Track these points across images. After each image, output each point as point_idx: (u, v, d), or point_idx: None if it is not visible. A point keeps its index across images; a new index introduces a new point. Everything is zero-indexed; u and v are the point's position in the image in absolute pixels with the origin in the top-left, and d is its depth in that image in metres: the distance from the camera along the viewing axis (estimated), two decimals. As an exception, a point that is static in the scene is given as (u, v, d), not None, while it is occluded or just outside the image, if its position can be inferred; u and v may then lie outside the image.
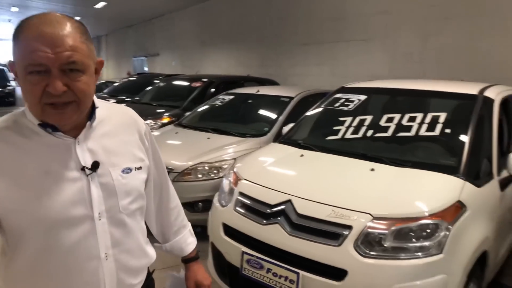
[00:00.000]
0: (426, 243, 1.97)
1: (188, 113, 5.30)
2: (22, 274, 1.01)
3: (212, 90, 6.31)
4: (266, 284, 2.16)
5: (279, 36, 8.52)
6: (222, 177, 3.59)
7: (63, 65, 0.90)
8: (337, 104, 3.26)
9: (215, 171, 3.66)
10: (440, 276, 1.94)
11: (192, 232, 1.44)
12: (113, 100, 7.86)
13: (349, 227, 2.01)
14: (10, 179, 0.94)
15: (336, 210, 2.08)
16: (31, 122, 0.99)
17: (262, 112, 4.78)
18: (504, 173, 2.58)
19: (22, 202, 0.94)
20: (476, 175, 2.40)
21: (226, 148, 3.90)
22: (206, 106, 5.20)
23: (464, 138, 2.55)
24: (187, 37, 12.30)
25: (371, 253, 1.96)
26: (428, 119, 2.74)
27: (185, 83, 6.87)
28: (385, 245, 1.97)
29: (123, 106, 1.23)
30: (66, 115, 0.94)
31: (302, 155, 2.73)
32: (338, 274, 1.97)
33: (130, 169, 1.09)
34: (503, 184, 2.57)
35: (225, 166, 3.69)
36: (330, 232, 2.04)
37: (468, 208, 2.14)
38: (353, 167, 2.50)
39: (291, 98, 4.60)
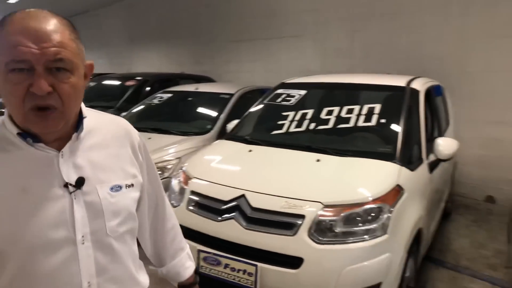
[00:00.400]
0: (372, 226, 2.12)
1: (123, 114, 5.11)
2: None
3: (147, 88, 6.13)
4: (224, 280, 2.19)
5: (212, 33, 8.49)
6: (167, 177, 3.54)
7: (49, 62, 0.80)
8: (279, 100, 3.36)
9: (159, 172, 3.59)
10: (386, 255, 2.11)
11: (191, 255, 1.32)
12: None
13: (302, 217, 2.11)
14: None
15: (288, 201, 2.17)
16: (9, 132, 0.88)
17: (203, 109, 4.75)
18: (432, 157, 2.86)
19: None
20: (409, 160, 2.62)
21: (169, 147, 3.83)
22: (143, 106, 5.05)
23: (397, 127, 2.78)
24: (114, 34, 11.76)
25: (324, 239, 2.07)
26: (364, 110, 2.93)
27: (118, 82, 6.60)
28: (336, 231, 2.09)
29: (114, 115, 1.11)
30: (50, 122, 0.84)
31: (250, 150, 2.79)
32: (294, 262, 2.05)
33: (120, 187, 0.98)
34: (431, 167, 2.84)
35: (169, 166, 3.63)
36: (284, 223, 2.12)
37: (406, 190, 2.34)
38: (300, 159, 2.60)
39: (231, 95, 4.64)
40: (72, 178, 0.90)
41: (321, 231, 2.09)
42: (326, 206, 2.13)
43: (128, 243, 1.01)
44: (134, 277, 1.04)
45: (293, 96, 3.34)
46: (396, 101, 2.98)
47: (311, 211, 2.12)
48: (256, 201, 2.22)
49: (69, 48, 0.83)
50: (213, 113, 4.48)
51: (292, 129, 3.01)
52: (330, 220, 2.11)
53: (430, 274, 3.27)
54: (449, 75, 5.00)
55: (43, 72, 0.80)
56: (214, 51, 8.53)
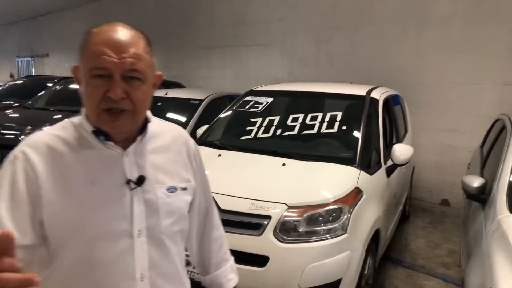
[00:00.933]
0: (333, 226, 2.27)
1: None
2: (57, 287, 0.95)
3: (115, 93, 6.10)
4: (193, 279, 2.26)
5: (182, 38, 8.53)
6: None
7: (125, 71, 0.90)
8: (247, 106, 3.48)
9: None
10: (346, 253, 2.26)
11: (234, 268, 1.34)
12: (-3, 106, 7.08)
13: (269, 217, 2.23)
14: (57, 185, 0.91)
15: (255, 203, 2.28)
16: (85, 131, 0.97)
17: (172, 115, 4.80)
18: (389, 162, 3.06)
19: (65, 209, 0.91)
20: (368, 164, 2.81)
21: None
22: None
23: (357, 134, 2.96)
24: (80, 37, 11.55)
25: (288, 238, 2.20)
26: (327, 118, 3.11)
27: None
28: (300, 231, 2.23)
29: (174, 124, 1.18)
30: (120, 122, 0.93)
31: (219, 155, 2.89)
32: (261, 261, 2.17)
33: (176, 189, 1.05)
34: (389, 172, 3.04)
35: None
36: (251, 223, 2.23)
37: (364, 193, 2.52)
38: (267, 163, 2.73)
39: (201, 101, 4.73)
40: (134, 176, 0.98)
41: (286, 230, 2.21)
42: (291, 207, 2.26)
43: (178, 244, 1.07)
44: (181, 277, 1.09)
45: (261, 103, 3.48)
46: (357, 109, 3.18)
47: (276, 212, 2.24)
48: (225, 203, 2.32)
49: (144, 60, 0.94)
50: (183, 118, 4.55)
51: (259, 135, 3.13)
52: (294, 221, 2.24)
53: (389, 273, 3.47)
54: (407, 85, 5.32)
55: (119, 80, 0.90)
56: (184, 56, 8.57)
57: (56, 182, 0.91)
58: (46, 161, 0.92)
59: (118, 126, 0.94)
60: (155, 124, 1.07)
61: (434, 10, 5.16)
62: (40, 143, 0.94)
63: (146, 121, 1.03)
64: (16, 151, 0.93)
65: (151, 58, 0.98)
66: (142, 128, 1.02)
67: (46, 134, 0.97)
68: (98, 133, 0.96)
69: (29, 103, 6.42)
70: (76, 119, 1.00)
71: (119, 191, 0.96)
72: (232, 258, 1.34)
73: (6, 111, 6.07)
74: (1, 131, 5.07)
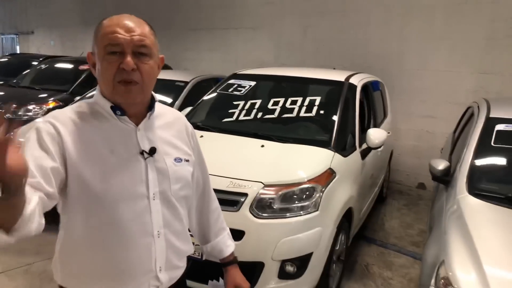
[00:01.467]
0: (306, 203, 2.42)
1: (77, 98, 5.13)
2: (80, 247, 1.09)
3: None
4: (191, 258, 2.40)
5: (170, 20, 8.49)
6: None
7: (135, 47, 1.05)
8: (230, 89, 3.58)
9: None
10: (317, 228, 2.42)
11: (231, 235, 1.49)
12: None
13: (245, 195, 2.36)
14: (80, 150, 1.03)
15: (234, 181, 2.42)
16: (101, 108, 1.11)
17: (158, 96, 4.84)
18: (364, 145, 3.21)
19: (89, 174, 1.03)
20: (343, 147, 2.96)
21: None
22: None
23: (334, 118, 3.10)
24: (67, 16, 11.36)
25: (263, 214, 2.34)
26: (306, 102, 3.23)
27: (71, 66, 6.52)
28: (274, 207, 2.37)
29: (173, 108, 1.35)
30: (132, 94, 1.06)
31: (202, 136, 2.98)
32: (237, 235, 2.30)
33: (181, 159, 1.21)
34: (364, 154, 3.20)
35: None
36: (229, 200, 2.36)
37: (337, 173, 2.67)
38: (246, 145, 2.86)
39: (186, 83, 4.80)
40: (146, 148, 1.12)
41: (261, 207, 2.36)
42: (267, 185, 2.40)
43: (184, 207, 1.23)
44: (187, 236, 1.26)
45: (244, 87, 3.58)
46: (335, 94, 3.31)
47: (253, 190, 2.38)
48: (205, 181, 2.45)
49: (149, 38, 1.09)
50: (168, 100, 4.63)
51: (241, 118, 3.25)
52: (270, 198, 2.38)
53: (362, 250, 3.67)
54: (389, 71, 5.46)
55: (130, 54, 1.05)
56: (172, 38, 8.54)
57: (79, 149, 1.04)
58: (68, 130, 1.05)
59: (131, 97, 1.08)
60: (159, 105, 1.21)
61: (417, -2, 5.27)
62: (62, 116, 1.07)
63: (153, 100, 1.17)
64: (39, 121, 1.05)
65: (155, 39, 1.13)
66: (150, 106, 1.16)
67: (66, 110, 1.11)
68: (115, 108, 1.09)
69: (14, 81, 6.41)
70: (89, 99, 1.15)
71: (135, 160, 1.10)
72: (227, 227, 1.50)
73: (-9, 89, 6.06)
74: (-13, 109, 5.09)
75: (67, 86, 5.85)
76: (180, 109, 4.23)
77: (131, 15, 1.10)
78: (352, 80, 3.49)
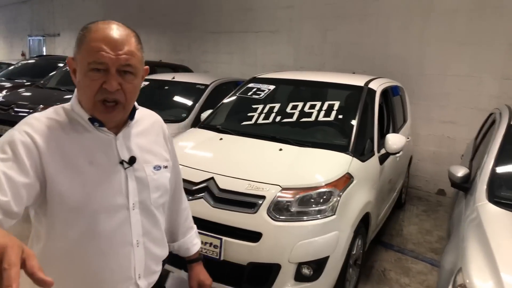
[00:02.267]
0: (323, 207, 2.44)
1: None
2: (58, 258, 1.06)
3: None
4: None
5: (191, 23, 8.62)
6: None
7: (120, 66, 1.01)
8: (250, 93, 3.63)
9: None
10: (334, 232, 2.43)
11: (197, 233, 1.53)
12: (9, 84, 7.28)
13: (263, 197, 2.40)
14: (58, 162, 1.00)
15: (252, 184, 2.46)
16: (79, 116, 1.07)
17: (179, 98, 4.97)
18: (383, 151, 3.21)
19: (68, 187, 1.00)
20: (361, 152, 2.96)
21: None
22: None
23: (353, 123, 3.11)
24: (92, 19, 11.27)
25: (281, 217, 2.37)
26: (325, 106, 3.25)
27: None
28: (292, 210, 2.40)
29: (149, 110, 1.31)
30: (113, 114, 1.05)
31: (221, 139, 3.06)
32: (254, 236, 2.35)
33: (160, 167, 1.19)
34: (382, 160, 3.19)
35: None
36: (247, 202, 2.41)
37: (355, 178, 2.68)
38: (265, 148, 2.90)
39: (207, 86, 4.87)
40: (126, 157, 1.11)
41: (279, 210, 2.39)
42: (284, 189, 2.44)
43: (162, 214, 1.25)
44: (164, 241, 1.28)
45: (263, 90, 3.62)
46: (354, 99, 3.31)
47: (270, 193, 2.42)
48: (223, 183, 2.50)
49: (136, 57, 1.05)
50: (189, 102, 4.71)
51: (260, 121, 3.29)
52: (287, 201, 2.41)
53: (379, 255, 3.66)
54: (410, 76, 5.43)
55: (115, 73, 1.01)
56: (192, 40, 8.68)
57: (57, 161, 1.00)
58: (45, 141, 1.00)
59: (111, 117, 1.06)
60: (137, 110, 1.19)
61: (439, 1, 5.21)
62: (38, 124, 1.02)
63: (134, 108, 1.15)
64: (15, 131, 0.99)
65: (141, 54, 1.09)
66: (130, 114, 1.14)
67: (41, 117, 1.04)
68: (93, 120, 1.07)
69: (41, 82, 6.61)
70: (67, 105, 1.10)
71: (114, 170, 1.09)
72: (195, 226, 1.53)
73: (19, 90, 6.28)
74: (15, 109, 5.29)
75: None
76: (200, 111, 4.31)
77: (119, 24, 1.05)
78: (371, 85, 3.49)
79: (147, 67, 1.15)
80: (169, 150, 1.29)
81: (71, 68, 1.08)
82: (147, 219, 1.16)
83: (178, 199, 1.42)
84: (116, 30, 1.03)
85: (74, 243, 1.05)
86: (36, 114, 1.06)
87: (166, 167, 1.23)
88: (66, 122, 1.06)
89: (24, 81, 7.36)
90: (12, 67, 8.62)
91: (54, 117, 1.06)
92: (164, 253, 1.28)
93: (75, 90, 1.10)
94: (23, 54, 14.59)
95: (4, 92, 6.97)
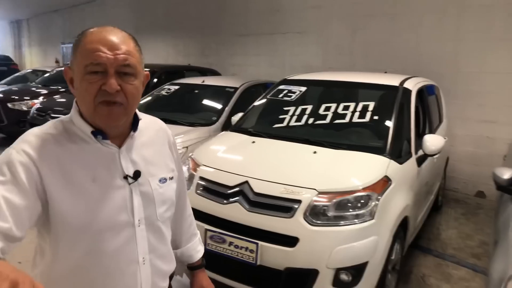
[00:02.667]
0: (361, 212, 2.37)
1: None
2: (63, 277, 1.03)
3: (154, 80, 6.36)
4: (228, 256, 2.45)
5: (218, 26, 8.67)
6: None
7: (119, 66, 0.97)
8: (281, 95, 3.59)
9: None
10: (372, 237, 2.36)
11: (201, 240, 1.49)
12: (45, 91, 7.54)
13: (299, 201, 2.36)
14: (60, 181, 0.96)
15: (287, 188, 2.42)
16: (79, 130, 1.03)
17: (208, 102, 4.99)
18: (420, 152, 3.10)
19: (71, 206, 0.97)
20: (398, 154, 2.87)
21: (177, 137, 4.07)
22: (153, 97, 5.29)
23: (389, 124, 3.02)
24: (121, 25, 11.49)
25: (317, 222, 2.32)
26: (359, 107, 3.17)
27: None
28: (328, 215, 2.35)
29: (152, 116, 1.26)
30: (115, 115, 0.99)
31: (253, 142, 3.03)
32: (291, 241, 2.31)
33: (166, 179, 1.15)
34: (420, 161, 3.08)
35: (177, 154, 3.88)
36: (283, 206, 2.37)
37: (393, 181, 2.59)
38: (298, 151, 2.85)
39: (236, 89, 4.87)
40: (130, 171, 1.06)
41: (315, 214, 2.34)
42: (320, 193, 2.38)
43: (168, 227, 1.21)
44: (171, 255, 1.25)
45: (294, 92, 3.58)
46: (389, 99, 3.22)
47: (306, 197, 2.37)
48: (258, 187, 2.48)
49: (135, 56, 1.01)
50: (218, 106, 4.72)
51: (292, 123, 3.25)
52: (324, 205, 2.36)
53: (418, 260, 3.53)
54: (445, 74, 5.24)
55: (113, 74, 0.96)
56: (220, 43, 8.72)
57: (58, 179, 0.96)
58: (45, 160, 0.95)
59: (114, 119, 1.00)
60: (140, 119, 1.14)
61: (475, -3, 5.02)
62: (37, 142, 0.97)
63: (136, 117, 1.10)
64: (13, 151, 0.95)
65: (140, 56, 1.04)
66: (133, 124, 1.09)
67: (40, 133, 1.00)
68: (95, 133, 1.02)
69: (76, 89, 6.78)
70: (65, 118, 1.05)
71: (119, 186, 1.04)
72: (198, 232, 1.49)
73: (55, 96, 6.49)
74: (51, 115, 5.46)
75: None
76: (231, 114, 4.31)
77: (114, 28, 1.02)
78: (406, 85, 3.39)
79: (147, 72, 1.10)
80: (175, 159, 1.24)
81: (67, 78, 1.03)
82: (153, 235, 1.12)
83: (182, 206, 1.38)
84: (112, 32, 1.00)
85: (78, 262, 1.02)
86: (34, 130, 1.01)
87: (172, 178, 1.19)
88: (66, 137, 1.02)
89: (59, 87, 7.59)
90: (47, 74, 8.93)
91: (53, 132, 1.01)
92: (172, 267, 1.24)
93: (74, 102, 1.05)
94: (57, 61, 15.11)
95: (40, 99, 7.24)
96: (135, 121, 1.09)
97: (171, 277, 1.29)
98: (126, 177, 1.05)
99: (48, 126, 1.03)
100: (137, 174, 1.07)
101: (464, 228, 4.29)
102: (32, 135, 0.99)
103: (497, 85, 4.93)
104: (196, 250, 1.45)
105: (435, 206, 4.48)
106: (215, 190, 2.62)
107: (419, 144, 3.11)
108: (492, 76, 4.97)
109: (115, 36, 0.99)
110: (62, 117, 1.07)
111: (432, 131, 3.74)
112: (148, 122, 1.19)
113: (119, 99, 0.98)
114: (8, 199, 0.88)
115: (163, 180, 1.14)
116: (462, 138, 5.27)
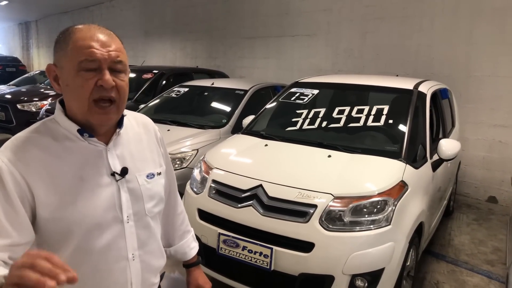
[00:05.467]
0: (377, 217, 2.33)
1: (142, 106, 5.35)
2: None
3: (163, 82, 6.36)
4: (242, 260, 2.41)
5: (226, 29, 8.67)
6: (185, 167, 3.77)
7: (112, 63, 0.98)
8: (293, 98, 3.56)
9: (178, 162, 3.82)
10: (389, 243, 2.32)
11: (195, 237, 1.48)
12: (53, 92, 7.56)
13: (314, 206, 2.32)
14: (48, 185, 0.96)
15: (302, 192, 2.38)
16: (64, 129, 1.02)
17: (218, 104, 4.96)
18: (435, 157, 3.05)
19: (60, 208, 0.97)
20: (414, 158, 2.82)
21: (186, 139, 4.06)
22: (162, 99, 5.28)
23: (404, 128, 2.97)
24: (129, 27, 11.95)
25: (333, 227, 2.28)
26: (373, 111, 3.13)
27: (135, 74, 6.83)
28: (344, 220, 2.31)
29: (137, 113, 1.26)
30: (110, 115, 1.01)
31: (266, 145, 3.00)
32: (306, 246, 2.27)
33: (153, 175, 1.15)
34: (435, 166, 3.03)
35: (188, 157, 3.86)
36: (298, 211, 2.33)
37: (409, 186, 2.55)
38: (313, 154, 2.81)
39: (246, 91, 4.84)
40: (117, 168, 1.06)
41: (331, 219, 2.30)
42: (336, 197, 2.34)
43: (158, 222, 1.20)
44: (162, 250, 1.24)
45: (306, 95, 3.54)
46: (404, 103, 3.18)
47: (322, 202, 2.33)
48: (273, 191, 2.44)
49: (124, 54, 1.04)
50: (228, 108, 4.69)
51: (305, 126, 3.21)
52: (339, 210, 2.32)
53: (431, 267, 3.47)
54: (456, 78, 5.18)
55: (107, 71, 0.98)
56: (228, 46, 8.72)
57: (45, 182, 0.96)
58: (31, 167, 0.96)
59: (108, 118, 1.01)
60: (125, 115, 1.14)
61: (488, 0, 4.96)
62: (21, 149, 0.97)
63: (122, 114, 1.10)
64: None
65: (126, 55, 1.06)
66: (119, 121, 1.09)
67: (24, 139, 1.00)
68: (82, 131, 1.02)
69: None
70: (49, 120, 1.05)
71: (106, 184, 1.04)
72: (192, 229, 1.48)
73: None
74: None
75: (131, 94, 6.10)
76: (240, 117, 4.28)
77: (100, 26, 1.02)
78: (421, 88, 3.34)
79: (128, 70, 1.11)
80: (162, 153, 1.24)
81: (51, 75, 1.02)
82: (142, 231, 1.12)
83: (173, 202, 1.37)
84: (100, 30, 1.01)
85: (67, 260, 0.98)
86: (18, 136, 1.01)
87: (159, 173, 1.19)
88: (50, 138, 1.01)
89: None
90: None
91: (37, 135, 1.01)
92: (162, 262, 1.23)
93: (57, 103, 1.05)
94: (64, 63, 15.13)
95: (49, 100, 7.26)
96: (120, 118, 1.09)
97: (162, 276, 1.27)
98: (113, 174, 1.06)
99: (32, 130, 1.03)
100: (124, 171, 1.07)
101: (477, 234, 4.23)
102: (16, 140, 0.99)
103: (509, 89, 4.87)
104: (190, 247, 1.44)
105: (447, 211, 4.42)
106: (228, 194, 2.59)
107: (434, 149, 3.07)
108: (504, 80, 4.91)
109: (104, 34, 1.00)
110: (45, 118, 1.06)
111: (445, 135, 3.69)
112: (133, 118, 1.20)
113: (113, 94, 0.99)
114: (6, 211, 0.91)
115: (150, 176, 1.15)
116: (473, 142, 5.21)
